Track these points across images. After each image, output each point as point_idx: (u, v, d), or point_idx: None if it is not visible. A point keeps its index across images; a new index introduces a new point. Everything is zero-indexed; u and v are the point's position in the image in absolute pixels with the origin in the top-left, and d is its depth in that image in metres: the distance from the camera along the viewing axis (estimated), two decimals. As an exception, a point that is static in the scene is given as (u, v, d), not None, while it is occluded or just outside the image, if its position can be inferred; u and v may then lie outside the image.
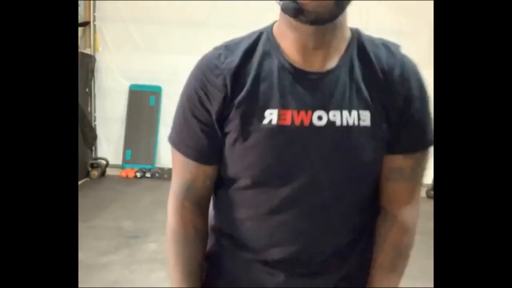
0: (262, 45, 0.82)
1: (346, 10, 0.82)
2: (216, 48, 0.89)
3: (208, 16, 4.89)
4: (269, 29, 0.84)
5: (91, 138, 5.08)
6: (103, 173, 4.88)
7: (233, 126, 0.77)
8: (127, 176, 4.88)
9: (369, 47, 0.87)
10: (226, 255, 0.88)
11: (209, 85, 0.82)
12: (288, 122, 0.75)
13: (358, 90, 0.78)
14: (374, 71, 0.80)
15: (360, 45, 0.86)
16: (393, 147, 0.81)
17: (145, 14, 4.97)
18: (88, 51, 5.07)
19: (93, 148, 5.23)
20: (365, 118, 0.77)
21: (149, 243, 3.08)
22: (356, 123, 0.76)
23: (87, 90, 5.04)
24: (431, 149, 0.87)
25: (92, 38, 5.08)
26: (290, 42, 0.79)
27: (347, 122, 0.76)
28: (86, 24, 5.02)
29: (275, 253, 0.81)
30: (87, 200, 3.95)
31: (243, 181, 0.80)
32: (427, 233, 3.47)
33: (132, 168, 4.97)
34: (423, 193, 4.69)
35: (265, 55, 0.80)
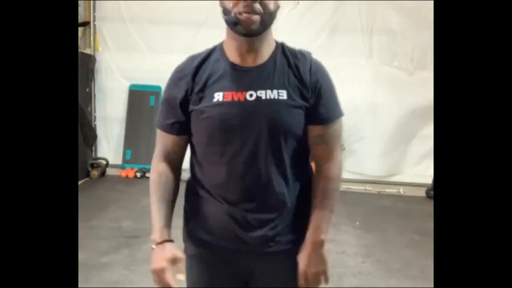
0: (215, 54, 1.23)
1: (270, 28, 1.21)
2: (183, 61, 1.32)
3: (208, 16, 4.89)
4: (220, 44, 1.26)
5: (91, 138, 5.07)
6: (103, 173, 4.88)
7: (194, 107, 1.17)
8: (127, 176, 4.88)
9: (288, 53, 1.24)
10: (197, 197, 1.33)
11: (177, 81, 1.23)
12: (229, 99, 1.13)
13: (278, 77, 1.16)
14: (290, 66, 1.19)
15: (282, 51, 1.24)
16: (314, 120, 1.18)
17: (145, 14, 4.97)
18: (88, 51, 5.07)
19: (93, 148, 5.23)
20: (283, 94, 1.14)
21: (149, 243, 3.08)
22: (276, 97, 1.14)
23: (87, 90, 5.04)
24: (341, 120, 1.25)
25: (92, 38, 5.08)
26: (232, 49, 1.19)
27: (270, 96, 1.13)
28: (86, 24, 5.02)
29: (229, 183, 1.17)
30: (87, 200, 3.95)
31: (202, 142, 1.19)
32: (427, 234, 3.47)
33: (132, 168, 4.96)
34: (423, 193, 4.70)
35: (216, 60, 1.21)
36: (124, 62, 5.10)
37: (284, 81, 1.17)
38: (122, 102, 5.19)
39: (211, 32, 5.19)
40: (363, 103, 4.88)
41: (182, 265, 1.20)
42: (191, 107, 1.18)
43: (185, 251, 1.33)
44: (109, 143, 5.32)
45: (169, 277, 1.14)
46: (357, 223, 3.71)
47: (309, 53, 1.28)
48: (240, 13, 1.12)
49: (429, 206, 4.24)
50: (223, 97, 1.14)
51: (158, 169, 1.31)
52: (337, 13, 4.81)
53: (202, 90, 1.18)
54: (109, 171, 4.97)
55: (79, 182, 4.54)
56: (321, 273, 1.21)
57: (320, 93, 1.19)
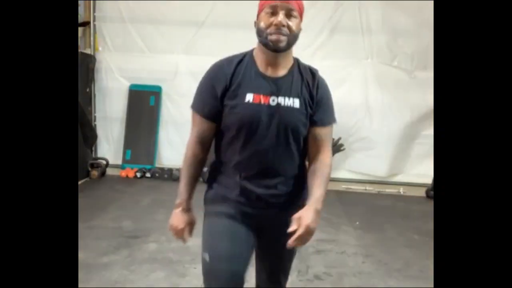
0: (246, 61, 1.51)
1: (292, 47, 1.53)
2: (222, 60, 1.57)
3: (208, 16, 4.89)
4: (251, 52, 1.54)
5: (91, 138, 5.07)
6: (103, 173, 4.88)
7: (228, 101, 1.46)
8: (127, 176, 4.88)
9: (302, 68, 1.57)
10: (221, 174, 1.58)
11: (218, 78, 1.49)
12: (257, 101, 1.45)
13: (294, 88, 1.49)
14: (303, 81, 1.53)
15: (298, 66, 1.57)
16: (316, 123, 1.52)
17: (145, 14, 4.97)
18: (88, 51, 5.07)
19: (93, 148, 5.23)
20: (296, 103, 1.48)
21: (149, 243, 3.08)
22: (291, 105, 1.47)
23: (87, 90, 5.04)
24: (333, 125, 1.59)
25: (92, 38, 5.08)
26: (260, 59, 1.50)
27: (287, 104, 1.47)
28: (86, 24, 5.02)
29: (251, 163, 1.49)
30: (87, 200, 3.95)
31: (232, 131, 1.48)
32: (427, 234, 3.48)
33: (132, 168, 4.96)
34: (423, 193, 4.70)
35: (247, 67, 1.49)
36: (124, 62, 5.11)
37: (298, 92, 1.51)
38: (122, 102, 5.19)
39: (211, 32, 5.23)
40: (363, 103, 4.88)
41: (193, 229, 1.62)
42: (226, 101, 1.47)
43: (207, 212, 1.64)
44: (109, 143, 5.32)
45: (185, 234, 1.58)
46: (357, 223, 3.71)
47: (317, 71, 1.64)
48: (271, 34, 1.43)
49: (429, 206, 4.24)
50: (253, 99, 1.46)
51: (194, 150, 1.60)
52: (337, 13, 4.81)
53: (236, 89, 1.47)
54: (109, 171, 4.97)
55: (79, 182, 4.53)
56: (313, 230, 1.43)
57: (322, 104, 1.55)
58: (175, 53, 5.03)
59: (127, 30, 5.03)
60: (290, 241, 1.39)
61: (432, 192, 4.62)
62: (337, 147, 4.90)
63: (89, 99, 5.13)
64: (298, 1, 1.58)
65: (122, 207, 3.87)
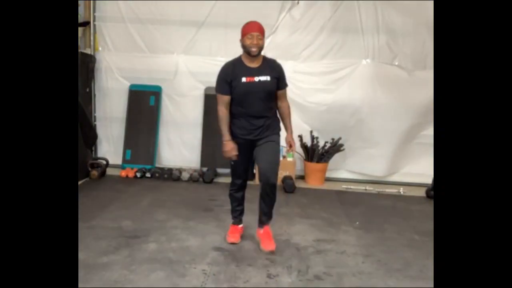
0: (238, 62, 2.97)
1: (260, 52, 2.93)
2: (227, 63, 3.01)
3: (208, 16, 4.89)
4: (239, 57, 2.97)
5: (91, 138, 5.07)
6: (103, 173, 4.87)
7: (234, 83, 2.92)
8: (127, 176, 4.88)
9: (268, 60, 3.02)
10: (234, 118, 3.01)
11: (226, 74, 2.95)
12: (247, 80, 2.91)
13: (266, 71, 2.94)
14: (269, 66, 2.99)
15: (265, 60, 3.00)
16: (279, 87, 3.02)
17: (145, 14, 4.97)
18: (88, 51, 5.07)
19: (93, 148, 5.23)
20: (268, 78, 2.94)
21: (149, 243, 3.08)
22: (266, 79, 2.93)
23: (87, 90, 5.04)
24: (287, 88, 3.11)
25: (92, 38, 5.08)
26: (246, 60, 2.95)
27: (263, 79, 2.93)
28: (86, 24, 5.02)
29: (248, 112, 2.96)
30: (87, 200, 3.95)
31: (236, 98, 2.96)
32: (427, 234, 3.48)
33: (132, 168, 4.96)
34: (423, 193, 4.70)
35: (239, 65, 2.96)
36: (124, 62, 5.11)
37: (268, 72, 2.95)
38: (122, 102, 5.19)
39: (210, 32, 5.23)
40: (363, 103, 4.88)
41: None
42: (233, 84, 2.92)
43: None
44: (109, 143, 5.32)
45: (235, 152, 2.99)
46: (357, 223, 3.71)
47: (275, 60, 3.09)
48: (250, 48, 2.87)
49: (429, 206, 4.24)
50: (246, 79, 2.91)
51: (223, 111, 2.98)
52: (337, 13, 4.81)
53: (235, 77, 2.91)
54: (109, 171, 4.97)
55: (79, 182, 4.53)
56: (293, 142, 3.11)
57: (280, 77, 3.00)
58: (175, 53, 5.03)
59: (127, 30, 5.03)
60: (291, 149, 3.13)
61: (432, 192, 4.62)
62: (337, 147, 4.90)
63: (89, 99, 5.13)
64: (262, 30, 2.90)
65: (122, 207, 3.87)
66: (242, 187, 3.21)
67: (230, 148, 2.96)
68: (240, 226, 3.28)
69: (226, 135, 2.97)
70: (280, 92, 3.03)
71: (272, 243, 3.04)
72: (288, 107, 3.08)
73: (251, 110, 2.93)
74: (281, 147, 4.69)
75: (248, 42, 2.83)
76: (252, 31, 2.83)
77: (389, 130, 4.89)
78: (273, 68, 2.97)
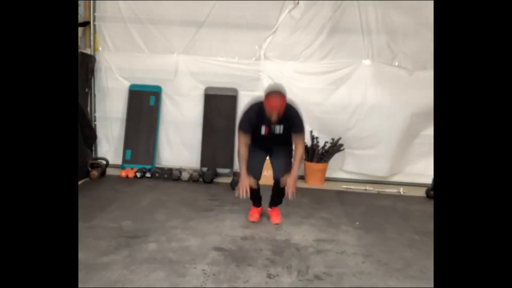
0: (262, 112, 3.26)
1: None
2: (252, 106, 3.38)
3: (208, 16, 4.89)
4: (263, 106, 3.23)
5: (91, 138, 5.07)
6: (103, 173, 4.87)
7: (253, 130, 3.35)
8: (127, 176, 4.87)
9: (288, 108, 3.24)
10: (251, 151, 3.38)
11: (251, 119, 3.32)
12: (265, 133, 3.36)
13: (283, 121, 3.28)
14: (287, 115, 3.25)
15: (286, 109, 3.23)
16: (295, 132, 3.34)
17: (145, 14, 4.97)
18: (88, 51, 5.06)
19: (93, 148, 5.23)
20: (282, 129, 3.34)
21: (149, 243, 3.08)
22: (281, 132, 3.35)
23: (87, 90, 5.04)
24: (304, 133, 3.42)
25: (92, 38, 5.08)
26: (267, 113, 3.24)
27: (279, 132, 3.35)
28: (86, 24, 5.02)
29: (264, 147, 3.47)
30: (87, 200, 3.95)
31: (253, 141, 3.38)
32: (427, 234, 3.48)
33: (132, 168, 4.96)
34: (423, 193, 4.70)
35: (262, 114, 3.26)
36: (124, 62, 5.10)
37: (284, 122, 3.27)
38: (122, 102, 5.19)
39: (210, 32, 5.24)
40: (363, 103, 4.88)
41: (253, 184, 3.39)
42: (254, 127, 3.32)
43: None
44: (109, 143, 5.32)
45: (249, 187, 3.30)
46: (357, 223, 3.71)
47: (296, 110, 3.31)
48: (270, 117, 3.21)
49: (429, 206, 4.24)
50: (264, 131, 3.34)
51: (243, 152, 3.30)
52: (337, 13, 4.80)
53: (256, 126, 3.31)
54: (109, 171, 4.97)
55: (79, 182, 4.53)
56: (291, 182, 3.32)
57: (293, 124, 3.29)
58: (175, 53, 5.03)
59: (127, 30, 5.02)
60: (290, 195, 3.33)
61: (432, 192, 4.62)
62: (337, 147, 4.90)
63: (89, 99, 5.13)
64: (283, 104, 3.14)
65: (122, 207, 3.87)
66: (254, 190, 3.44)
67: (246, 183, 3.28)
68: (259, 207, 3.70)
69: (244, 172, 3.30)
70: (294, 136, 3.34)
71: (279, 218, 3.62)
72: (300, 153, 3.36)
73: (266, 147, 3.46)
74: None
75: (268, 113, 3.16)
76: (273, 109, 3.12)
77: (389, 130, 4.89)
78: (290, 118, 3.25)
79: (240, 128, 3.33)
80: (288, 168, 3.38)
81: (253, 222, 3.59)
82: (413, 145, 5.00)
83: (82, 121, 4.72)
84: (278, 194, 3.51)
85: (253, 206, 3.69)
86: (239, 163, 3.36)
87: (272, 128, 3.30)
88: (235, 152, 5.07)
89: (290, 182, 3.30)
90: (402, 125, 4.89)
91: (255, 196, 3.59)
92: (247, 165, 3.33)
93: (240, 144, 3.33)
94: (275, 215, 3.64)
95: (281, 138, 3.35)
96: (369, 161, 5.03)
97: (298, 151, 3.35)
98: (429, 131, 4.77)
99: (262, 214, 3.72)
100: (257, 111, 3.26)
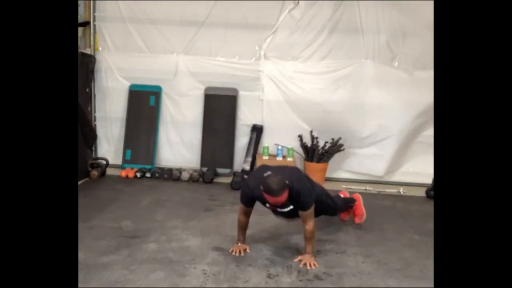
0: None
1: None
2: (253, 186, 2.88)
3: (208, 16, 4.89)
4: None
5: (91, 138, 5.07)
6: (103, 173, 4.87)
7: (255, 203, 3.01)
8: (127, 176, 4.87)
9: (292, 192, 2.76)
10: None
11: (253, 194, 2.90)
12: (271, 207, 2.93)
13: (290, 203, 2.84)
14: (292, 199, 2.79)
15: (291, 194, 2.77)
16: (300, 210, 2.89)
17: (145, 14, 4.96)
18: (88, 51, 5.06)
19: (93, 148, 5.23)
20: (290, 207, 2.88)
21: (149, 243, 3.08)
22: (290, 209, 2.89)
23: (87, 90, 5.04)
24: (312, 206, 2.90)
25: (92, 38, 5.07)
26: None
27: (288, 209, 2.90)
28: (86, 24, 5.02)
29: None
30: (87, 200, 3.95)
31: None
32: (427, 234, 3.48)
33: (132, 168, 4.96)
34: (423, 193, 4.70)
35: (263, 196, 2.79)
36: (124, 62, 5.10)
37: (291, 205, 2.87)
38: (122, 102, 5.18)
39: (210, 32, 5.25)
40: (363, 103, 4.87)
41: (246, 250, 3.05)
42: (257, 200, 2.96)
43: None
44: (109, 143, 5.31)
45: (243, 252, 3.00)
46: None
47: (299, 192, 2.82)
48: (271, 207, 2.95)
49: (429, 206, 4.24)
50: (269, 206, 2.90)
51: (243, 220, 3.04)
52: (337, 13, 4.80)
53: (262, 202, 2.94)
54: (109, 171, 4.97)
55: (79, 182, 4.53)
56: (309, 261, 2.89)
57: (299, 202, 2.85)
58: (175, 53, 5.03)
59: (127, 30, 5.02)
60: (312, 266, 2.89)
61: (432, 192, 4.61)
62: (337, 147, 4.90)
63: (89, 99, 5.13)
64: (282, 201, 2.75)
65: (122, 207, 3.87)
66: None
67: (241, 249, 3.00)
68: None
69: (241, 240, 3.04)
70: (300, 214, 2.89)
71: (359, 218, 3.60)
72: (310, 231, 2.87)
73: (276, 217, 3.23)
74: (280, 147, 4.79)
75: (270, 204, 2.81)
76: (275, 204, 2.78)
77: (389, 130, 4.88)
78: (296, 201, 2.82)
79: (242, 201, 2.97)
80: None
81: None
82: (413, 145, 5.00)
83: (82, 121, 4.72)
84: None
85: None
86: (237, 228, 3.05)
87: (278, 210, 2.95)
88: (235, 152, 5.08)
89: (307, 260, 2.87)
90: (402, 125, 4.89)
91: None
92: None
93: (240, 212, 3.01)
94: (357, 214, 3.61)
95: (290, 212, 2.94)
96: (368, 161, 5.03)
97: (307, 228, 2.87)
98: (429, 131, 4.77)
99: (262, 214, 3.70)
100: (259, 193, 2.78)
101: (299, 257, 2.91)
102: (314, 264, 2.85)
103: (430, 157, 4.64)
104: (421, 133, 4.94)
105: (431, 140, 4.50)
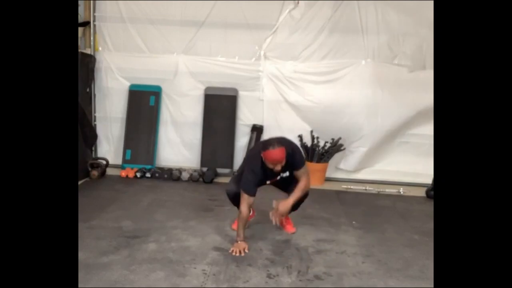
0: (263, 165, 3.02)
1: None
2: (253, 166, 3.05)
3: (208, 16, 4.89)
4: (261, 161, 3.02)
5: (91, 138, 5.07)
6: (103, 173, 4.87)
7: (262, 180, 3.16)
8: (127, 176, 4.87)
9: (288, 153, 2.98)
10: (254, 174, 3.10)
11: (257, 175, 3.05)
12: (271, 182, 3.23)
13: (286, 167, 3.05)
14: (289, 160, 3.00)
15: (287, 159, 2.98)
16: (295, 169, 3.13)
17: (145, 14, 4.97)
18: (88, 51, 5.06)
19: (93, 148, 5.23)
20: (287, 174, 3.14)
21: (149, 243, 3.08)
22: (287, 175, 3.15)
23: (87, 90, 5.04)
24: (305, 164, 3.22)
25: (92, 38, 5.08)
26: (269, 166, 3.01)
27: (286, 175, 3.14)
28: (86, 24, 5.02)
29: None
30: (87, 200, 3.95)
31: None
32: (427, 234, 3.48)
33: (132, 168, 4.96)
34: (423, 193, 4.69)
35: (266, 168, 3.01)
36: (124, 62, 5.10)
37: (288, 167, 3.06)
38: (122, 102, 5.19)
39: (210, 32, 5.25)
40: (363, 103, 4.87)
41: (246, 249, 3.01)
42: (258, 184, 3.10)
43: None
44: (109, 143, 5.32)
45: (245, 250, 2.98)
46: (354, 222, 3.71)
47: (293, 151, 3.06)
48: (273, 169, 2.97)
49: (429, 206, 4.24)
50: (270, 182, 3.18)
51: (245, 211, 3.03)
52: (337, 13, 4.81)
53: (262, 180, 3.10)
54: (109, 171, 4.97)
55: (79, 182, 4.53)
56: (283, 211, 3.11)
57: (294, 161, 3.06)
58: (175, 53, 5.03)
59: (127, 30, 5.02)
60: (273, 220, 3.13)
61: (432, 192, 4.61)
62: (337, 147, 4.90)
63: (89, 99, 5.13)
64: (283, 157, 2.92)
65: (122, 207, 3.87)
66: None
67: (241, 248, 2.96)
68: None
69: (241, 236, 3.02)
70: (296, 174, 3.12)
71: (292, 227, 3.48)
72: (304, 185, 3.11)
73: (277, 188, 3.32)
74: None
75: (271, 167, 2.94)
76: (276, 163, 2.91)
77: (388, 129, 4.89)
78: (292, 162, 3.02)
79: (245, 190, 3.00)
80: (309, 180, 3.23)
81: (235, 230, 3.28)
82: (412, 145, 5.00)
83: (82, 121, 4.72)
84: (299, 203, 3.27)
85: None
86: (237, 224, 3.06)
87: (278, 177, 3.12)
88: (235, 152, 5.08)
89: (281, 208, 3.06)
90: (402, 125, 4.90)
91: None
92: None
93: (243, 203, 3.00)
94: (289, 224, 3.46)
95: (287, 179, 3.15)
96: (368, 161, 5.03)
97: (302, 182, 3.10)
98: (429, 131, 4.78)
99: (262, 214, 3.70)
100: (259, 169, 3.00)
101: (277, 202, 3.09)
102: (282, 215, 3.11)
103: (430, 157, 4.65)
104: (421, 133, 4.93)
105: (431, 140, 4.50)
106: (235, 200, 3.19)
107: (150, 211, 3.78)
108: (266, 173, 3.03)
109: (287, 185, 3.22)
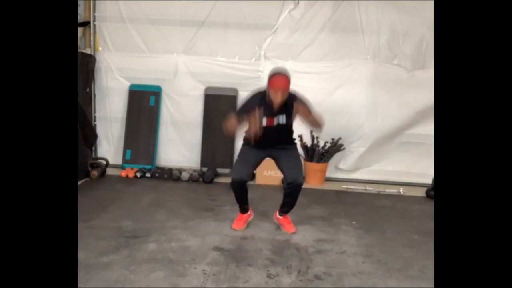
0: (266, 95, 3.12)
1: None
2: (254, 94, 3.23)
3: (208, 16, 4.89)
4: (265, 93, 3.14)
5: (91, 138, 5.07)
6: (103, 173, 4.87)
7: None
8: (127, 176, 4.88)
9: (289, 95, 3.12)
10: (245, 150, 3.35)
11: (251, 105, 3.10)
12: (267, 124, 3.15)
13: (285, 109, 3.15)
14: (288, 102, 3.14)
15: (287, 99, 3.11)
16: (302, 111, 3.22)
17: (145, 14, 4.97)
18: (88, 51, 5.06)
19: (93, 148, 5.23)
20: (284, 119, 3.18)
21: (149, 243, 3.08)
22: (284, 122, 3.19)
23: (87, 90, 5.04)
24: (308, 102, 3.24)
25: (92, 38, 5.08)
26: (270, 98, 3.11)
27: (282, 122, 3.19)
28: (86, 24, 5.02)
29: (263, 146, 3.25)
30: (87, 200, 3.95)
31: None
32: (427, 234, 3.48)
33: (132, 168, 4.96)
34: (423, 193, 4.69)
35: (265, 100, 3.12)
36: (124, 62, 5.10)
37: (286, 110, 3.16)
38: (122, 102, 5.19)
39: (210, 32, 5.24)
40: (363, 103, 4.88)
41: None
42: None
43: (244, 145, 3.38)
44: (109, 143, 5.32)
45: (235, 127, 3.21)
46: (354, 222, 3.71)
47: (295, 95, 3.19)
48: (273, 100, 3.07)
49: (429, 206, 4.24)
50: (266, 122, 3.12)
51: (235, 121, 3.11)
52: (337, 13, 4.81)
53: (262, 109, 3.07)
54: (109, 171, 4.97)
55: (79, 182, 4.53)
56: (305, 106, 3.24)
57: (298, 103, 3.17)
58: (175, 53, 5.03)
59: (127, 30, 5.02)
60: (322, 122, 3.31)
61: (432, 192, 4.61)
62: (337, 147, 4.90)
63: (89, 99, 5.13)
64: (287, 85, 3.06)
65: (122, 207, 3.87)
66: (240, 187, 3.28)
67: (232, 121, 3.11)
68: (245, 214, 3.47)
69: (236, 123, 3.13)
70: (305, 115, 3.21)
71: (292, 226, 3.42)
72: (318, 114, 3.25)
73: (267, 142, 3.19)
74: None
75: (272, 96, 3.05)
76: (278, 89, 3.03)
77: (388, 129, 4.89)
78: (290, 105, 3.14)
79: (237, 112, 3.19)
80: (300, 168, 3.34)
81: (235, 230, 3.39)
82: (412, 144, 5.00)
83: (82, 121, 4.72)
84: (293, 195, 3.27)
85: (240, 213, 3.47)
86: (227, 121, 3.14)
87: (275, 119, 3.14)
88: (235, 152, 5.08)
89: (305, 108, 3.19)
90: (402, 125, 4.90)
91: (243, 198, 3.36)
92: (234, 166, 3.28)
93: (232, 118, 3.13)
94: (289, 224, 3.43)
95: (283, 131, 3.23)
96: (368, 160, 5.03)
97: (315, 116, 3.23)
98: (429, 131, 4.77)
99: (262, 214, 3.71)
100: (259, 99, 3.12)
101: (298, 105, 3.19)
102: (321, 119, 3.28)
103: (430, 157, 4.66)
104: (421, 133, 4.93)
105: (431, 140, 4.50)
106: (239, 189, 3.29)
107: (150, 211, 3.78)
108: (264, 108, 3.05)
109: (284, 152, 3.28)
